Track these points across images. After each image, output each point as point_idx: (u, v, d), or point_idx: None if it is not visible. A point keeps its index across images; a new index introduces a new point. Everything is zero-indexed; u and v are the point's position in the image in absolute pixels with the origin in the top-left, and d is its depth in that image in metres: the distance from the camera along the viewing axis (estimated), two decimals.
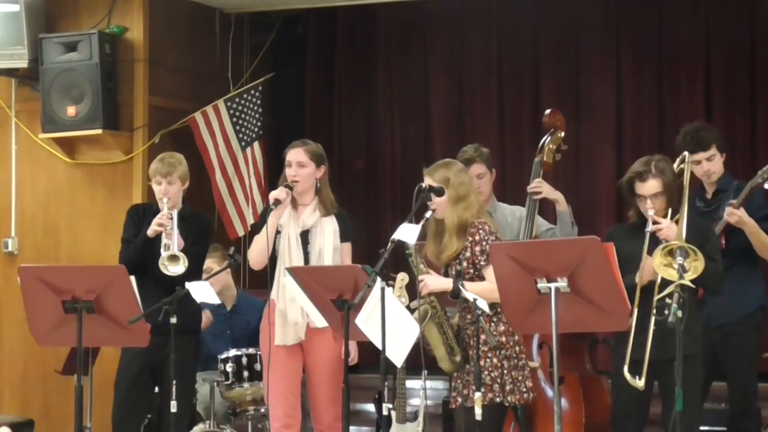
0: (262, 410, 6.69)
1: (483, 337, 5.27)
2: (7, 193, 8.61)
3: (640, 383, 5.29)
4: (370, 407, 7.62)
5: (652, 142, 8.69)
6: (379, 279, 4.90)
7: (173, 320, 5.63)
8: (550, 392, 6.28)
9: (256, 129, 8.75)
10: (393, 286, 5.34)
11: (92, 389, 6.90)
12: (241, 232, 8.62)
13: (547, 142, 6.75)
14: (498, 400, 5.37)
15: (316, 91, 10.01)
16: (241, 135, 8.68)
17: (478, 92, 9.54)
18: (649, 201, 5.45)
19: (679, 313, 4.83)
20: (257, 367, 6.68)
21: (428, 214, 5.41)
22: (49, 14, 8.43)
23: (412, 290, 5.41)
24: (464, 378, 5.45)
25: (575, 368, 6.46)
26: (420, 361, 5.42)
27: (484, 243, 5.41)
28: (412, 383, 6.70)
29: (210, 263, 6.76)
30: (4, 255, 8.57)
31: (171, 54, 8.66)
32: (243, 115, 8.68)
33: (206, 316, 6.92)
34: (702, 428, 6.05)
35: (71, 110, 8.14)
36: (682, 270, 4.92)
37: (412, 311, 5.24)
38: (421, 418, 6.36)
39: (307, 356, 6.01)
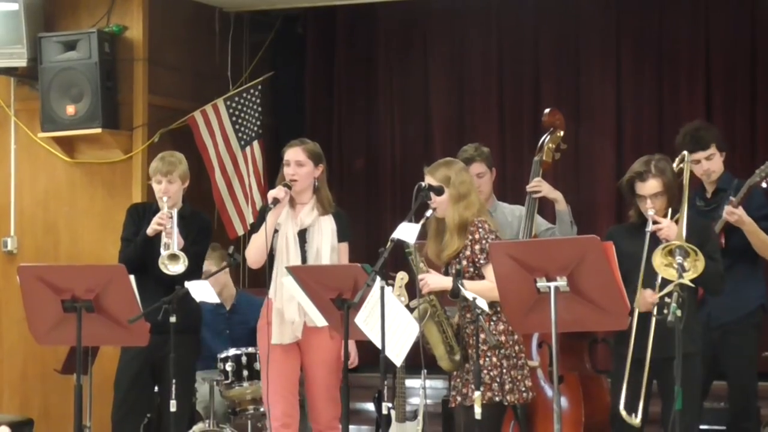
0: (262, 409, 6.67)
1: (482, 336, 5.26)
2: (7, 192, 8.59)
3: (636, 420, 5.31)
4: (370, 406, 7.61)
5: (652, 142, 8.67)
6: (378, 278, 4.90)
7: (173, 319, 5.64)
8: (549, 391, 6.28)
9: (255, 128, 8.74)
10: (393, 285, 5.33)
11: (92, 388, 6.90)
12: (240, 232, 8.61)
13: (546, 141, 6.75)
14: (497, 399, 5.36)
15: (316, 91, 9.99)
16: (240, 134, 8.67)
17: (478, 92, 9.53)
18: (649, 201, 5.45)
19: (678, 313, 4.84)
20: (257, 366, 6.66)
21: (429, 212, 5.41)
22: (48, 13, 8.41)
23: (412, 289, 5.41)
24: (464, 377, 5.44)
25: (575, 367, 6.46)
26: (420, 360, 5.42)
27: (483, 242, 5.40)
28: (411, 382, 6.70)
29: (208, 265, 6.73)
30: (4, 254, 8.56)
31: (170, 53, 8.65)
32: (242, 114, 8.67)
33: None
34: (702, 427, 6.06)
35: (70, 109, 8.12)
36: (682, 269, 4.92)
37: (411, 310, 5.23)
38: (420, 417, 6.37)
39: (304, 355, 6.00)
